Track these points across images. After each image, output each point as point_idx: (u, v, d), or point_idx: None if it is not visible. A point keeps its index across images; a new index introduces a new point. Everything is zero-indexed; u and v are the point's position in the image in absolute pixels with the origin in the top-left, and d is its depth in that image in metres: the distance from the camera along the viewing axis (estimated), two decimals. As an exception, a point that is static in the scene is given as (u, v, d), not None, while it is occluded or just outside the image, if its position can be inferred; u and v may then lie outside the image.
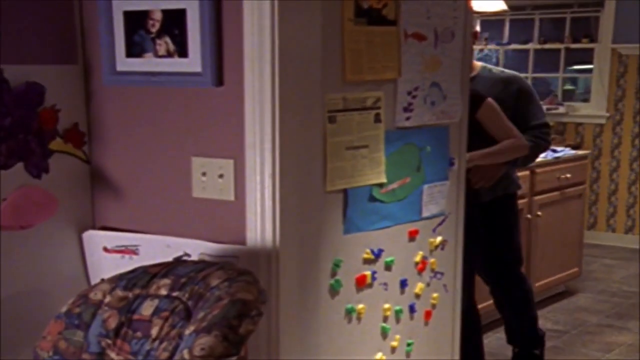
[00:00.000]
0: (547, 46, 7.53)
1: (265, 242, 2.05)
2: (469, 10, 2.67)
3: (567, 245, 5.29)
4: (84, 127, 2.29)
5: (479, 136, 3.36)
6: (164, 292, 1.84)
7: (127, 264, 2.18)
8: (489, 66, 3.86)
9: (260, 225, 2.05)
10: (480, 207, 3.59)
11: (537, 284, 4.99)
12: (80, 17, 2.24)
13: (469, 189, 3.27)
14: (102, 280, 1.97)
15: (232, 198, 2.10)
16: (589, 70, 7.31)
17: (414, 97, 2.44)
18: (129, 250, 2.24)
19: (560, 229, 5.18)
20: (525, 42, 7.64)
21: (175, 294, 1.82)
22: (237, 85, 2.03)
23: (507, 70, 3.89)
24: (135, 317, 1.82)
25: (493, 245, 3.79)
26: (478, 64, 3.81)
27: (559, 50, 7.49)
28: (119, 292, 1.87)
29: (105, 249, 2.28)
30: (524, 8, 7.54)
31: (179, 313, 1.78)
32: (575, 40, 7.36)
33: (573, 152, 5.55)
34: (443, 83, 2.56)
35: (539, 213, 4.93)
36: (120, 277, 1.91)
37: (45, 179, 2.20)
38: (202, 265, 1.89)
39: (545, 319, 4.90)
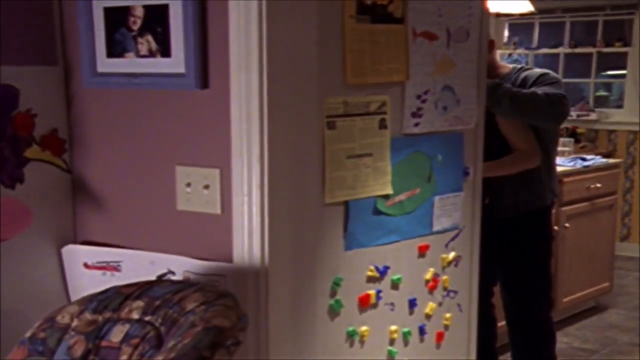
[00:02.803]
0: (578, 50, 7.31)
1: (253, 260, 1.87)
2: (485, 10, 2.48)
3: (597, 258, 5.08)
4: (64, 134, 2.13)
5: (498, 141, 3.15)
6: (135, 315, 1.67)
7: (109, 282, 2.03)
8: (518, 66, 3.47)
9: (248, 241, 1.87)
10: (494, 225, 3.26)
11: (565, 300, 4.80)
12: (60, 14, 2.10)
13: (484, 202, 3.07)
14: (74, 301, 1.80)
15: (218, 211, 1.93)
16: (623, 76, 7.06)
17: (423, 101, 2.27)
18: (111, 267, 2.09)
19: (590, 241, 4.96)
20: (556, 47, 7.43)
21: (147, 318, 1.66)
22: (223, 88, 1.87)
23: (536, 69, 3.42)
24: (104, 343, 1.65)
25: (512, 279, 3.45)
26: (509, 66, 3.47)
27: (590, 54, 7.27)
28: (88, 316, 1.71)
29: (86, 265, 2.12)
30: (554, 11, 7.32)
31: (149, 340, 1.61)
32: (608, 44, 7.14)
33: (604, 160, 5.32)
34: (456, 86, 2.39)
35: (567, 225, 4.72)
36: (91, 298, 1.75)
37: (20, 189, 2.05)
38: (180, 285, 1.72)
39: (574, 337, 4.69)
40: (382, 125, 2.15)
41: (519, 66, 3.48)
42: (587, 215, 4.91)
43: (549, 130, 3.36)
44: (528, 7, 5.17)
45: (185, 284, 1.73)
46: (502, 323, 3.63)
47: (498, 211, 3.29)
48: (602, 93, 7.45)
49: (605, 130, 7.07)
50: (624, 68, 7.03)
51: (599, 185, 4.96)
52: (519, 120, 3.22)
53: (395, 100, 2.18)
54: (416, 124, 2.25)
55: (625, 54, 6.98)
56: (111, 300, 1.72)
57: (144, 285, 1.75)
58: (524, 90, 3.19)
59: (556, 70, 7.27)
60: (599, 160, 5.27)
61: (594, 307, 5.27)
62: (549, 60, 7.46)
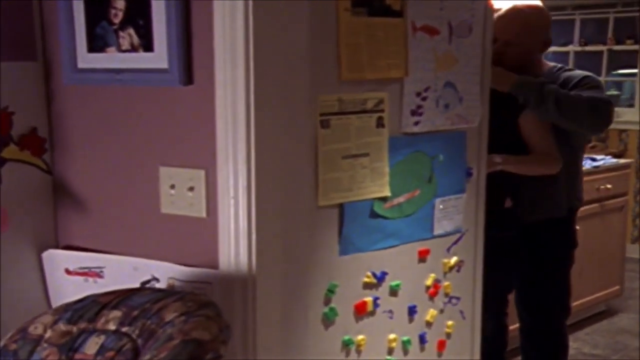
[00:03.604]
0: (588, 48, 7.19)
1: (240, 267, 1.77)
2: (489, 5, 2.38)
3: (607, 261, 4.96)
4: (45, 132, 2.03)
5: (518, 142, 3.00)
6: (112, 326, 1.57)
7: (91, 288, 1.93)
8: (558, 65, 3.27)
9: (234, 246, 1.77)
10: (520, 231, 3.13)
11: (574, 304, 4.61)
12: (40, 7, 1.99)
13: (504, 209, 2.96)
14: (49, 310, 1.70)
15: (203, 214, 1.83)
16: (634, 74, 6.94)
17: (423, 98, 2.16)
18: (93, 273, 1.99)
19: (600, 243, 4.84)
20: (565, 44, 7.30)
21: (124, 329, 1.55)
22: (209, 84, 1.76)
23: (577, 71, 3.23)
24: (78, 356, 1.55)
25: (529, 286, 3.29)
26: (549, 64, 3.27)
27: (601, 52, 7.14)
28: (62, 326, 1.60)
29: (67, 271, 2.02)
30: (564, 8, 7.19)
31: (125, 353, 1.50)
32: (619, 42, 7.02)
33: (614, 160, 5.19)
34: (459, 83, 2.28)
35: (577, 227, 4.56)
36: (66, 307, 1.65)
37: (-3, 191, 1.94)
38: (161, 294, 1.61)
39: (583, 342, 4.56)
40: (380, 123, 2.05)
41: (559, 65, 3.28)
42: (597, 217, 4.79)
43: (579, 134, 3.17)
44: (536, 4, 5.04)
45: (166, 293, 1.63)
46: (511, 327, 3.53)
47: (521, 214, 3.13)
48: (613, 92, 7.32)
49: (616, 130, 6.93)
50: (635, 66, 6.91)
51: (609, 186, 4.84)
52: (548, 124, 2.99)
53: (394, 98, 2.08)
54: (416, 123, 2.15)
55: (636, 52, 6.85)
56: (87, 310, 1.62)
57: (123, 293, 1.65)
58: (571, 93, 2.98)
59: (566, 69, 7.15)
60: (609, 160, 5.15)
61: (604, 311, 5.15)
62: (559, 58, 7.32)
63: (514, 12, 3.12)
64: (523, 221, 3.11)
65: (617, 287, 5.12)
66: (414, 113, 2.14)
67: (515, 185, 3.02)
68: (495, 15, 3.13)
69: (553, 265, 3.25)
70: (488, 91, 2.43)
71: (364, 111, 2.01)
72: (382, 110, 2.05)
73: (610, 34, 7.07)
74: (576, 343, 4.52)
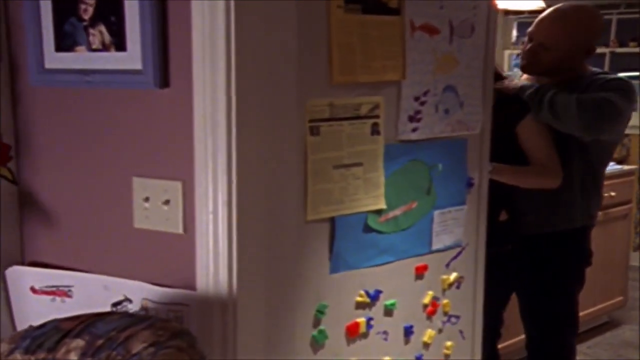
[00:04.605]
0: (590, 51, 7.05)
1: (219, 287, 1.62)
2: (492, 3, 2.25)
3: (610, 271, 4.83)
4: (10, 139, 1.87)
5: (516, 152, 2.85)
6: (73, 357, 1.41)
7: (59, 309, 1.80)
8: (598, 70, 3.11)
9: (213, 265, 1.62)
10: (521, 244, 2.99)
11: (576, 315, 4.52)
12: (4, 2, 1.84)
13: (498, 222, 2.83)
14: (5, 338, 1.54)
15: (180, 230, 1.68)
16: (637, 77, 6.82)
17: (422, 103, 2.04)
18: (61, 292, 1.84)
19: (603, 253, 4.67)
20: (567, 47, 7.16)
21: (87, 360, 1.39)
22: (186, 87, 1.61)
23: (610, 76, 3.04)
24: (34, 390, 1.39)
25: (537, 301, 3.15)
26: (589, 70, 3.07)
27: (603, 55, 7.02)
28: (18, 356, 1.44)
29: (33, 290, 1.87)
30: (565, 10, 7.06)
31: (86, 389, 1.34)
32: (622, 44, 6.91)
33: (618, 167, 5.05)
34: (460, 87, 2.15)
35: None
36: (24, 334, 1.49)
37: (-44, 203, 1.79)
38: (129, 320, 1.46)
39: (585, 355, 4.44)
40: (375, 130, 1.93)
41: (598, 70, 3.11)
42: (600, 225, 4.62)
43: (598, 149, 2.99)
44: (539, 5, 4.94)
45: (135, 319, 1.47)
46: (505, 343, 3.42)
47: (521, 227, 2.98)
48: (614, 95, 7.20)
49: (618, 134, 6.79)
50: (638, 69, 6.79)
51: (612, 194, 4.71)
52: (548, 134, 2.85)
53: (390, 102, 1.95)
54: (414, 129, 2.03)
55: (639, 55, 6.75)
56: (47, 338, 1.46)
57: (87, 319, 1.49)
58: (566, 95, 2.81)
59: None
60: (612, 166, 4.99)
61: (606, 323, 5.02)
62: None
63: (556, 14, 2.97)
64: (524, 234, 2.96)
65: (620, 298, 5.01)
66: (411, 119, 2.02)
67: (510, 196, 2.87)
68: (540, 15, 3.00)
69: (560, 280, 3.10)
70: (491, 96, 2.29)
71: (358, 117, 1.89)
72: (377, 116, 1.93)
73: (612, 36, 6.96)
74: (578, 357, 4.36)
